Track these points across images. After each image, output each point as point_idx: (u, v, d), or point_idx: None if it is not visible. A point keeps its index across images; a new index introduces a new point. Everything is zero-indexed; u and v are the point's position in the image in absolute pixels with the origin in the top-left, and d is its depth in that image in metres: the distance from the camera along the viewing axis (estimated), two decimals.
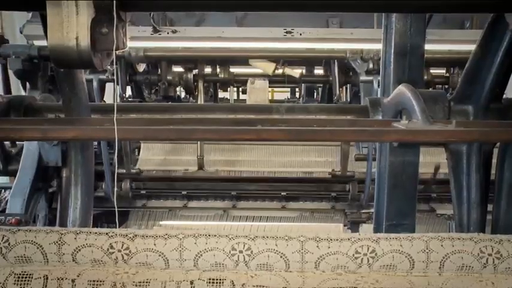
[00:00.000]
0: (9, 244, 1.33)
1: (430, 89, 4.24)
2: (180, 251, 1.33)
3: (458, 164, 2.24)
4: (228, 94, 7.78)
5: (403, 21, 2.25)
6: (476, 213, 2.21)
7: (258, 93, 4.50)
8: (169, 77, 4.68)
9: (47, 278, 1.31)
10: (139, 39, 4.11)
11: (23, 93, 3.84)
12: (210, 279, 1.32)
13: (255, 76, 4.85)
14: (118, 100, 4.38)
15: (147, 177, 4.37)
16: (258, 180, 4.39)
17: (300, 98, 7.53)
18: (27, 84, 3.76)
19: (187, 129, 1.67)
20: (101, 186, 4.13)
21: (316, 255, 1.33)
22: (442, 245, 1.33)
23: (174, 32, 4.12)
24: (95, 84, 4.28)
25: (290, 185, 4.48)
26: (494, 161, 2.25)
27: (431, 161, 3.99)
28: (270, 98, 7.93)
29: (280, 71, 4.62)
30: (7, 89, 3.89)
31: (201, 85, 4.63)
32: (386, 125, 1.77)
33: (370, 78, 3.99)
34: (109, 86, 4.73)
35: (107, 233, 1.35)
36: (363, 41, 4.08)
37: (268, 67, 4.54)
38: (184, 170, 4.36)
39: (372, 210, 2.82)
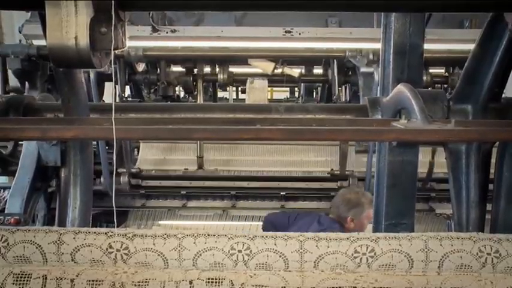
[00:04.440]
0: (8, 244, 1.33)
1: (429, 89, 4.24)
2: (179, 250, 1.33)
3: (457, 164, 2.24)
4: (227, 94, 7.77)
5: (402, 20, 2.25)
6: (475, 212, 2.21)
7: (257, 92, 4.49)
8: (168, 77, 4.68)
9: (46, 278, 1.31)
10: (138, 38, 4.10)
11: None
12: (209, 278, 1.32)
13: (254, 76, 4.85)
14: (117, 100, 4.37)
15: (147, 176, 4.36)
16: (256, 179, 4.38)
17: (299, 97, 7.53)
18: (26, 83, 3.76)
19: (186, 129, 1.66)
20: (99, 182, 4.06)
21: (315, 255, 1.33)
22: (441, 245, 1.33)
23: (173, 31, 4.11)
24: (92, 78, 4.22)
25: (289, 183, 4.47)
26: (493, 160, 2.25)
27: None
28: (269, 97, 7.92)
29: (279, 71, 4.61)
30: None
31: (200, 85, 4.63)
32: (385, 125, 1.76)
33: (371, 70, 3.95)
34: (108, 86, 4.72)
35: (105, 233, 1.35)
36: (362, 40, 4.07)
37: (268, 66, 4.54)
38: (184, 169, 4.35)
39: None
